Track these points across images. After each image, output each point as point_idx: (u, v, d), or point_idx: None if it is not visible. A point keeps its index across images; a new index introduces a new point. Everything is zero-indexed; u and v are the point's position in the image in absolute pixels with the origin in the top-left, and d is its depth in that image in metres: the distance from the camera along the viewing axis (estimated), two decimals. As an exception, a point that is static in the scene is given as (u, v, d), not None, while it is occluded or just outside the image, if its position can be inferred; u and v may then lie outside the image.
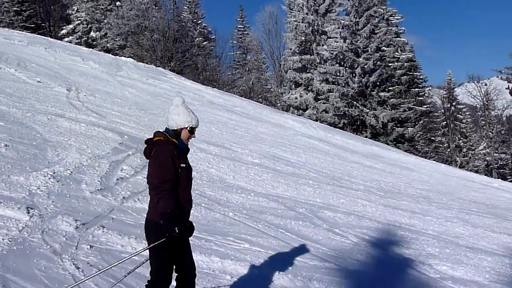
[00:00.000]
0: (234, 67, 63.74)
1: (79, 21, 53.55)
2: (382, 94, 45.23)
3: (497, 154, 63.83)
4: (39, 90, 18.96)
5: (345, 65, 45.37)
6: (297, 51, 49.23)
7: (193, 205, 10.13)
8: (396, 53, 48.30)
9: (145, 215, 5.24)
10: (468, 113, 70.66)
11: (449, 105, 65.71)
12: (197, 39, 53.28)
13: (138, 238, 7.67)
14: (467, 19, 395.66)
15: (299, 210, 11.49)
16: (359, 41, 45.18)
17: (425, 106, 52.92)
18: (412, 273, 8.51)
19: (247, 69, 61.84)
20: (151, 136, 5.28)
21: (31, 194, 8.64)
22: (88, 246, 7.11)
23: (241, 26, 68.43)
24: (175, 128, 5.18)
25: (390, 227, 11.30)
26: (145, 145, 5.26)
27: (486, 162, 62.93)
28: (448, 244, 10.56)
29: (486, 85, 74.45)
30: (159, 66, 38.96)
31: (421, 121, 49.77)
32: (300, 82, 48.68)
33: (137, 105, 21.39)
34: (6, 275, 5.83)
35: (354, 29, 45.68)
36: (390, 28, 48.70)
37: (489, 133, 66.61)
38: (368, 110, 44.30)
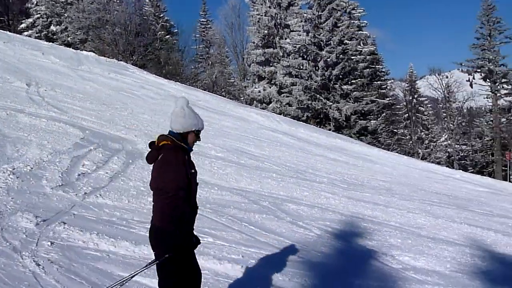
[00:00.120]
0: (197, 61, 63.46)
1: (38, 15, 52.80)
2: (345, 87, 45.48)
3: (458, 146, 64.70)
4: (-2, 85, 18.66)
5: (308, 59, 45.48)
6: (260, 45, 49.25)
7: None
8: (359, 47, 48.61)
9: (150, 222, 5.02)
10: (429, 105, 71.52)
11: (411, 98, 66.41)
12: (160, 32, 52.93)
13: (100, 234, 7.60)
14: (428, 12, 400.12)
15: (262, 203, 11.48)
16: (321, 35, 45.33)
17: (388, 99, 53.40)
18: (375, 264, 8.57)
19: (210, 62, 61.60)
20: (154, 140, 5.03)
21: (-10, 191, 8.51)
22: (49, 243, 7.01)
23: (203, 19, 68.16)
24: (181, 132, 4.95)
25: (353, 219, 11.37)
26: (149, 149, 5.01)
27: (447, 154, 63.78)
28: (410, 235, 10.67)
29: (447, 77, 75.33)
30: (121, 60, 38.59)
31: (384, 114, 50.20)
32: (263, 76, 48.73)
33: (99, 100, 21.17)
34: (-36, 274, 5.72)
35: (317, 22, 45.83)
36: (352, 21, 49.02)
37: (450, 125, 67.48)
38: (331, 103, 44.52)
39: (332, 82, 45.18)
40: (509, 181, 40.46)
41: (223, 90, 54.23)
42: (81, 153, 12.41)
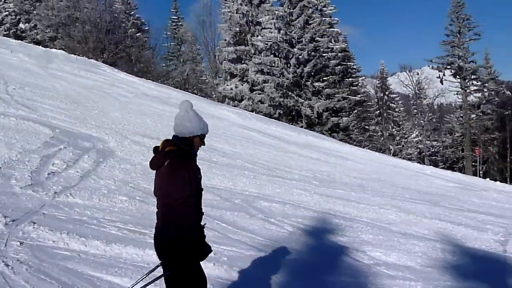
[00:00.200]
0: (168, 59, 63.13)
1: (7, 12, 52.17)
2: (316, 84, 45.60)
3: (429, 142, 65.31)
4: (-35, 84, 18.41)
5: (279, 56, 45.53)
6: (232, 42, 49.18)
7: (127, 198, 10.07)
8: (330, 44, 48.75)
9: (154, 231, 4.95)
10: (400, 102, 72.08)
11: (382, 95, 66.82)
12: (130, 30, 52.50)
13: (70, 233, 7.53)
14: (399, 10, 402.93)
15: (234, 200, 11.48)
16: (293, 32, 45.41)
17: (359, 96, 53.63)
18: (347, 260, 8.61)
19: (181, 60, 61.33)
20: (158, 145, 4.89)
21: (-43, 191, 8.38)
22: (18, 243, 6.93)
23: (175, 17, 67.76)
24: (187, 136, 4.82)
25: (325, 216, 11.40)
26: (153, 154, 4.86)
27: (418, 150, 64.36)
28: (381, 231, 10.73)
29: (418, 74, 75.94)
30: (91, 58, 38.22)
31: (355, 111, 50.43)
32: (235, 73, 48.65)
33: (69, 98, 20.97)
34: None
35: (288, 19, 45.88)
36: (323, 18, 49.16)
37: (421, 121, 68.03)
38: (303, 100, 44.61)
39: (304, 79, 45.28)
40: (479, 176, 40.95)
41: (194, 87, 54.05)
42: (51, 152, 12.30)
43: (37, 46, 37.77)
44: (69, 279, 6.18)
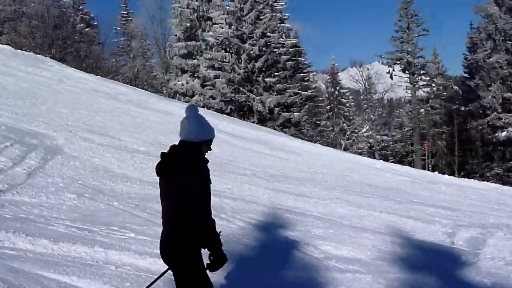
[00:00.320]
0: (118, 54, 62.35)
1: (-50, 6, 50.82)
2: (268, 79, 45.65)
3: (379, 136, 66.29)
4: None
5: (231, 51, 45.44)
6: (183, 38, 48.89)
7: (76, 196, 9.91)
8: (281, 39, 48.84)
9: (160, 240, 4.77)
10: (351, 97, 73.00)
11: (333, 90, 67.50)
12: (79, 25, 51.73)
13: (16, 232, 7.37)
14: (349, 5, 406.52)
15: (185, 196, 11.38)
16: (244, 27, 45.35)
17: (310, 91, 53.97)
18: (298, 255, 8.63)
19: (131, 56, 60.70)
20: (166, 151, 4.74)
21: None
22: (-39, 243, 6.76)
23: (124, 12, 66.97)
24: (195, 141, 4.63)
25: (276, 210, 11.43)
26: (163, 160, 4.69)
27: (369, 144, 65.29)
28: (332, 225, 10.81)
29: (368, 69, 77.04)
30: (38, 54, 37.46)
31: (307, 106, 50.67)
32: (186, 69, 48.39)
33: (16, 94, 20.54)
34: None
35: (239, 15, 45.79)
36: (274, 14, 49.19)
37: (371, 116, 69.04)
38: (254, 96, 44.63)
39: (255, 74, 45.29)
40: (428, 170, 41.65)
41: (145, 83, 53.55)
42: (-4, 150, 12.03)
43: (-18, 41, 36.91)
44: (15, 279, 6.03)
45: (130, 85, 40.61)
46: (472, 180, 26.69)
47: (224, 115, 36.58)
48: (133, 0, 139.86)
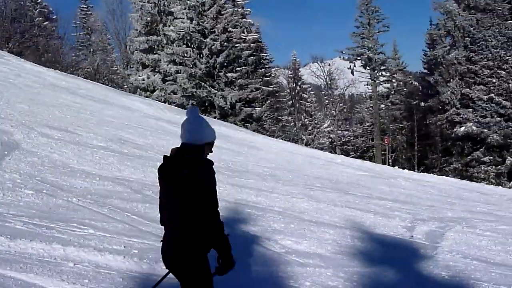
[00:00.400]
0: (78, 49, 61.60)
1: None
2: (229, 74, 45.60)
3: (340, 132, 66.77)
4: None
5: (192, 46, 45.21)
6: (143, 32, 48.42)
7: (34, 192, 9.76)
8: (243, 34, 48.83)
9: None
10: (312, 92, 73.44)
11: (294, 85, 67.76)
12: (37, 19, 50.95)
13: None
14: (310, 1, 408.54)
15: (146, 192, 11.32)
16: (205, 22, 45.17)
17: (272, 86, 54.05)
18: (258, 249, 8.64)
19: (91, 50, 60.03)
20: (168, 154, 4.60)
21: None
22: None
23: (84, 6, 66.20)
24: (198, 144, 4.55)
25: (237, 206, 11.41)
26: (166, 164, 4.56)
27: (330, 140, 65.72)
28: (293, 220, 10.84)
29: (329, 65, 77.35)
30: (-5, 48, 36.89)
31: (268, 101, 50.77)
32: (147, 64, 47.96)
33: (-29, 89, 20.18)
34: None
35: (201, 9, 45.56)
36: (236, 9, 49.16)
37: (333, 111, 69.45)
38: (216, 91, 44.54)
39: (216, 69, 45.18)
40: (388, 165, 42.11)
41: (105, 78, 53.08)
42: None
43: None
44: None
45: (90, 80, 40.16)
46: (431, 174, 27.12)
47: (186, 110, 36.36)
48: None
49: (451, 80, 44.21)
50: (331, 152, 45.71)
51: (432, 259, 9.33)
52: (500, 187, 29.69)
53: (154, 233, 8.57)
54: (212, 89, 44.56)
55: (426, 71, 52.12)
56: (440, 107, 45.64)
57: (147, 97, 41.04)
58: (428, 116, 48.34)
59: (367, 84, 56.31)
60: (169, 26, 47.41)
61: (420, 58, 53.42)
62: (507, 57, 41.02)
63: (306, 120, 66.76)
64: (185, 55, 44.84)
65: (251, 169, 17.16)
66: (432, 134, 48.37)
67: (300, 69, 71.20)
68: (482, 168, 40.90)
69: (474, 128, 41.22)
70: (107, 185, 11.34)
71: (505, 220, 13.83)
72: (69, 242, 7.45)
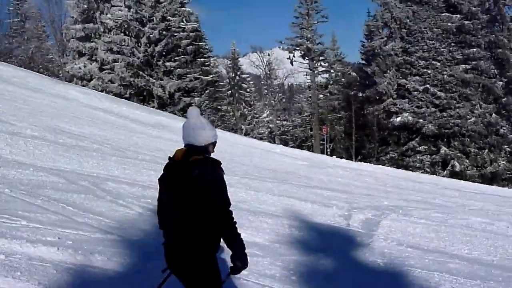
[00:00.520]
0: (11, 36, 59.85)
1: None
2: (168, 64, 45.21)
3: (279, 121, 67.12)
4: None
5: (130, 35, 44.59)
6: (80, 20, 47.48)
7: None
8: (182, 23, 48.47)
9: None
10: (252, 82, 73.56)
11: (233, 75, 67.73)
12: (-31, 5, 49.46)
13: None
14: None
15: (81, 183, 11.11)
16: (144, 10, 44.62)
17: (211, 76, 53.92)
18: (196, 240, 8.58)
19: (25, 38, 58.44)
20: (171, 155, 4.59)
21: None
22: None
23: (18, -8, 64.53)
24: (203, 144, 4.57)
25: (175, 196, 11.31)
26: (172, 166, 4.53)
27: (269, 129, 66.03)
28: (231, 209, 10.81)
29: (268, 55, 77.64)
30: None
31: (207, 91, 50.68)
32: (83, 52, 47.06)
33: None
34: None
35: (139, -3, 45.06)
36: (175, -3, 48.76)
37: (272, 101, 69.76)
38: (154, 80, 44.10)
39: (155, 59, 44.73)
40: (326, 154, 42.57)
41: (40, 66, 51.82)
42: None
43: None
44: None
45: (24, 68, 39.21)
46: (368, 164, 27.55)
47: (123, 99, 35.98)
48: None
49: (388, 71, 44.91)
50: (270, 142, 46.05)
51: (368, 247, 9.47)
52: (435, 175, 30.44)
53: (89, 223, 8.43)
54: (151, 79, 44.09)
55: (364, 61, 52.82)
56: (377, 98, 46.31)
57: (83, 86, 40.32)
58: (366, 106, 49.01)
59: (306, 74, 56.62)
60: (107, 14, 46.58)
61: (358, 49, 54.21)
62: (442, 49, 41.93)
63: (245, 110, 66.89)
64: (123, 43, 44.19)
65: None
66: (370, 124, 49.05)
67: (239, 59, 71.19)
68: (418, 157, 41.75)
69: (410, 118, 42.04)
70: (41, 176, 11.07)
71: (439, 208, 14.16)
72: (1, 234, 7.24)
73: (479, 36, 41.49)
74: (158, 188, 4.73)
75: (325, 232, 10.20)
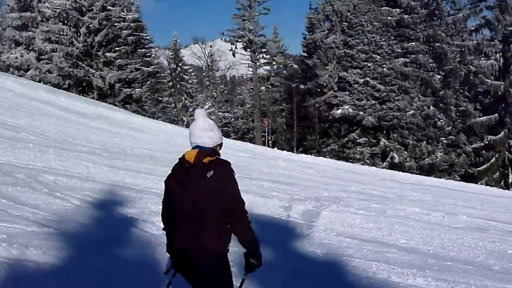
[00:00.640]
0: None
1: None
2: (108, 54, 44.58)
3: (221, 113, 67.06)
4: None
5: (69, 24, 43.73)
6: (16, 8, 46.38)
7: None
8: (122, 13, 47.87)
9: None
10: (193, 73, 73.26)
11: (175, 66, 67.28)
12: None
13: None
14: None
15: (17, 175, 10.83)
16: (83, 0, 43.88)
17: (152, 67, 53.42)
18: (135, 232, 8.48)
19: (-42, 26, 56.86)
20: (181, 157, 4.51)
21: None
22: None
23: (-49, -22, 62.52)
24: (212, 146, 4.54)
25: (114, 188, 11.17)
26: (186, 168, 4.43)
27: (211, 121, 65.77)
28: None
29: (210, 46, 77.42)
30: None
31: (148, 82, 50.23)
32: (20, 41, 46.00)
33: None
34: None
35: (78, -14, 44.22)
36: (115, -13, 48.07)
37: (214, 93, 69.61)
38: (94, 71, 43.42)
39: (95, 49, 44.03)
40: (268, 146, 42.73)
41: (-25, 56, 50.44)
42: None
43: None
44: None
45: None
46: (310, 155, 27.76)
47: (62, 90, 35.32)
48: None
49: (329, 63, 45.29)
50: (212, 133, 45.64)
51: (308, 238, 9.52)
52: (374, 167, 30.86)
53: (24, 217, 8.22)
54: (90, 69, 43.39)
55: (305, 54, 53.12)
56: (318, 90, 46.65)
57: (20, 76, 39.39)
58: (307, 98, 49.33)
59: (248, 66, 56.62)
60: (44, 2, 45.58)
61: (300, 42, 54.47)
62: (382, 42, 42.48)
63: (187, 101, 66.56)
64: (62, 33, 43.29)
65: (130, 150, 16.89)
66: (311, 116, 49.37)
67: (181, 50, 70.76)
68: (358, 149, 42.24)
69: (351, 110, 42.46)
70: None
71: (378, 199, 14.37)
72: None
73: (418, 30, 42.17)
74: (164, 189, 4.71)
75: (266, 223, 10.21)
